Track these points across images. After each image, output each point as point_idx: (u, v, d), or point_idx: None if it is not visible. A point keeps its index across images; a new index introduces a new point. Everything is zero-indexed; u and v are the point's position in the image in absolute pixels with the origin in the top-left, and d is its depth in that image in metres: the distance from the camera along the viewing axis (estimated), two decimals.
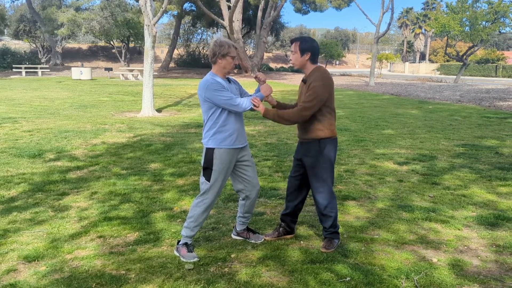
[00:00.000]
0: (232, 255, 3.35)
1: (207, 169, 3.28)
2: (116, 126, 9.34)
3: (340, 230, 3.82)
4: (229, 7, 28.96)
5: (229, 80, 3.37)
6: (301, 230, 3.87)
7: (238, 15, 30.94)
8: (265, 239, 3.63)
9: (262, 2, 31.66)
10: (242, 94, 3.44)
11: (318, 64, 3.43)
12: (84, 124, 9.46)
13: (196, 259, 3.25)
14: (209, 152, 3.27)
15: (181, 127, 9.41)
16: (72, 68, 28.14)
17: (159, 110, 12.14)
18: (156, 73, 30.42)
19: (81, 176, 5.48)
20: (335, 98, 16.80)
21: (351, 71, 48.91)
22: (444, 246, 3.57)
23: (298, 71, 38.92)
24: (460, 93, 19.74)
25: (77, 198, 4.63)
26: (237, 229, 3.67)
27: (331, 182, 3.43)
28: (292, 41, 3.41)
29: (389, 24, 25.41)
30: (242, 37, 35.28)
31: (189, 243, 3.36)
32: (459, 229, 3.91)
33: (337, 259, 3.29)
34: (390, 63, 53.71)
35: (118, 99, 14.96)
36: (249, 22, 38.82)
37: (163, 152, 6.87)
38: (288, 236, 3.69)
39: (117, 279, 2.98)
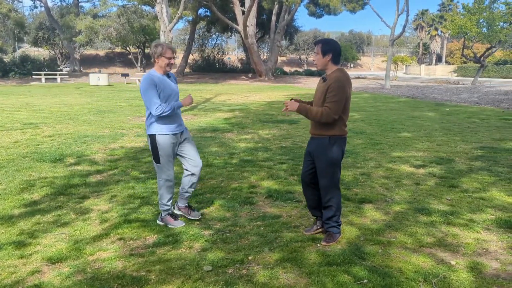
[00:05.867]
0: (250, 257, 3.39)
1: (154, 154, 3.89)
2: (134, 130, 9.49)
3: (357, 232, 3.84)
4: (243, 12, 29.16)
5: (168, 76, 4.01)
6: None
7: (252, 20, 31.11)
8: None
9: (276, 7, 31.79)
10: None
11: (340, 65, 3.59)
12: (102, 129, 9.64)
13: (182, 225, 4.00)
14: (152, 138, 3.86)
15: (198, 131, 9.52)
16: (90, 74, 28.68)
17: None
18: None
19: (101, 179, 5.60)
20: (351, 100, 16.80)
21: (366, 74, 48.61)
22: (463, 249, 3.55)
23: (312, 74, 38.93)
24: (478, 95, 19.46)
25: (97, 201, 4.74)
26: (179, 205, 4.17)
27: (337, 177, 3.65)
28: (315, 43, 3.64)
29: (404, 26, 25.23)
30: (256, 41, 35.44)
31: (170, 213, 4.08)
32: (477, 232, 3.88)
33: (354, 262, 3.30)
34: (406, 65, 53.18)
35: (135, 104, 15.19)
36: (263, 26, 39.00)
37: None
38: None
39: (138, 280, 3.05)
